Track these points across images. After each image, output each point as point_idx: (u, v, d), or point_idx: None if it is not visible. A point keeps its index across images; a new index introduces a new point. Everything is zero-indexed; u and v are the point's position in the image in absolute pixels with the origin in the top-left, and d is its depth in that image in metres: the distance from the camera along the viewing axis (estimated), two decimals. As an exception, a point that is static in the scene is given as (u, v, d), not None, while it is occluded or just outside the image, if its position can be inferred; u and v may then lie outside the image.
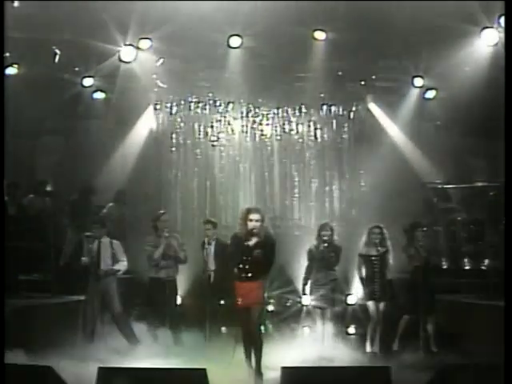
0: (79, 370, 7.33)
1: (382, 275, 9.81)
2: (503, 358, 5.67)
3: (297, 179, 13.43)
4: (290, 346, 9.44)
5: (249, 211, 8.02)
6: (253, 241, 7.91)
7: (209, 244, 10.48)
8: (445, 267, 11.80)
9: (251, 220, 7.90)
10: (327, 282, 9.81)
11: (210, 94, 13.18)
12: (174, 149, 13.38)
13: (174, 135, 13.42)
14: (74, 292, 10.40)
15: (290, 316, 11.04)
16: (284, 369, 6.15)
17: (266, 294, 8.77)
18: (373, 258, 9.86)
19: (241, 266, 7.93)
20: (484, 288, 10.42)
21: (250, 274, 7.91)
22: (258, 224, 7.89)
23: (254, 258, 7.88)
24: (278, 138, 13.44)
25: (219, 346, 9.23)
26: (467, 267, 11.81)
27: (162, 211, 10.65)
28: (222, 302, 10.38)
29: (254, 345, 7.98)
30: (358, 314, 10.57)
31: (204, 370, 6.01)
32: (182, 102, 13.36)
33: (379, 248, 9.86)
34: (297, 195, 13.39)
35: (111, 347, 9.16)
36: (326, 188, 13.43)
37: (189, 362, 8.17)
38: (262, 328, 8.52)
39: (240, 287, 7.98)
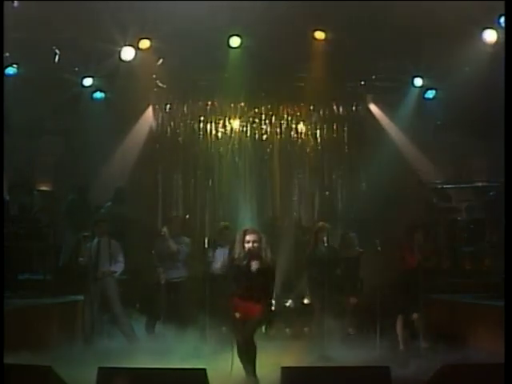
0: (79, 369, 7.32)
1: (355, 275, 10.14)
2: (503, 358, 5.67)
3: (297, 179, 13.43)
4: (290, 346, 9.45)
5: (245, 232, 7.91)
6: (253, 265, 7.74)
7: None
8: (445, 267, 11.79)
9: (248, 241, 7.78)
10: (326, 283, 9.83)
11: (210, 94, 13.19)
12: (173, 149, 13.38)
13: (173, 135, 13.42)
14: (74, 292, 10.40)
15: (289, 316, 11.04)
16: (284, 369, 6.15)
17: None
18: (348, 259, 10.15)
19: (245, 289, 7.78)
20: (484, 288, 10.42)
21: (253, 296, 7.76)
22: (256, 245, 7.77)
23: (257, 283, 7.72)
24: (278, 137, 13.43)
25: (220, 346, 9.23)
26: (467, 267, 11.80)
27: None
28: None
29: (249, 353, 7.83)
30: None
31: (204, 370, 6.00)
32: (182, 102, 13.37)
33: (352, 250, 10.22)
34: (297, 195, 13.39)
35: (111, 347, 9.16)
36: (325, 188, 13.42)
37: (189, 361, 8.16)
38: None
39: (239, 303, 7.84)
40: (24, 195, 12.00)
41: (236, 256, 7.88)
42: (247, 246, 7.77)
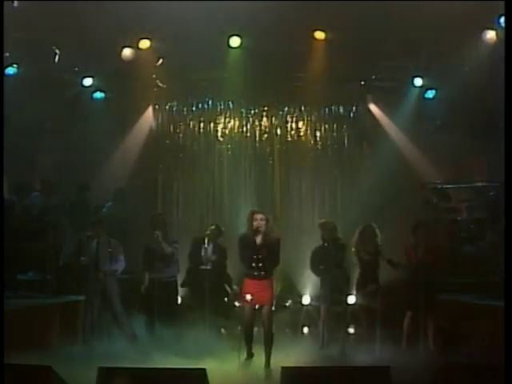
0: (79, 369, 7.33)
1: (374, 273, 9.97)
2: (503, 358, 5.67)
3: (297, 179, 13.41)
4: (291, 346, 9.45)
5: (253, 212, 8.69)
6: (259, 238, 8.43)
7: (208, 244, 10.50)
8: (445, 267, 11.77)
9: (256, 219, 8.51)
10: (332, 281, 9.81)
11: (210, 94, 13.19)
12: (173, 149, 13.37)
13: (173, 135, 13.42)
14: (74, 292, 10.41)
15: (290, 316, 11.04)
16: (284, 369, 6.15)
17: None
18: (366, 258, 10.03)
19: (252, 264, 8.45)
20: (484, 288, 10.42)
21: (261, 272, 8.45)
22: (263, 222, 8.49)
23: (262, 255, 8.43)
24: (278, 138, 13.42)
25: (219, 346, 9.24)
26: (467, 267, 11.79)
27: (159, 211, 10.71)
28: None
29: (267, 343, 8.48)
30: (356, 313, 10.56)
31: (204, 370, 6.01)
32: (182, 102, 13.36)
33: (371, 247, 10.02)
34: (297, 195, 13.38)
35: (111, 347, 9.15)
36: (326, 188, 13.42)
37: (189, 361, 8.17)
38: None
39: (250, 285, 8.51)
40: (24, 195, 12.01)
41: (245, 232, 8.61)
42: (255, 223, 8.49)
